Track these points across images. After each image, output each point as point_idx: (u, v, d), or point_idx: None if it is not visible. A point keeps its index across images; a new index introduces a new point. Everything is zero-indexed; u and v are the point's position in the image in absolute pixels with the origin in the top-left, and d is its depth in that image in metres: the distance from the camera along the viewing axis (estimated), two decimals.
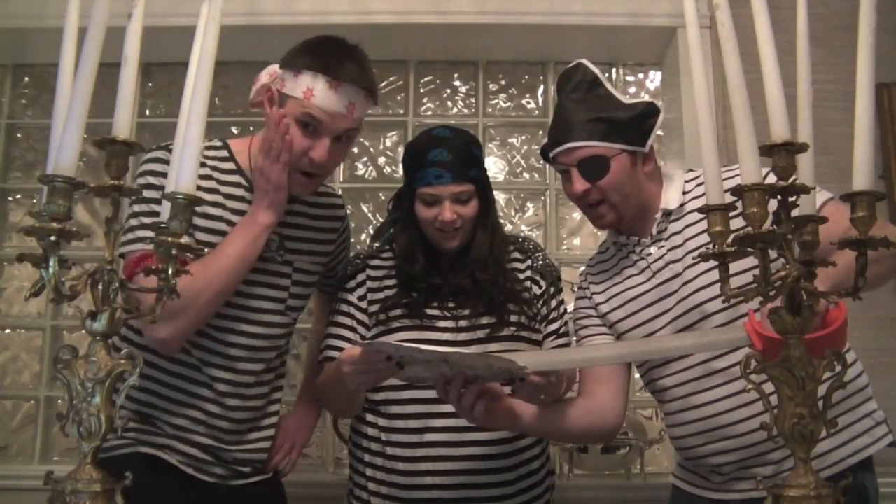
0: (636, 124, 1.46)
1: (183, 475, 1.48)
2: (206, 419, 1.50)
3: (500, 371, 1.27)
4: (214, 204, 1.49)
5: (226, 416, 1.52)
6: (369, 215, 2.63)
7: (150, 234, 1.33)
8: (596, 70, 1.51)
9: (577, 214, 2.57)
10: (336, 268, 1.73)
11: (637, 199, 1.50)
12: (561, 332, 1.62)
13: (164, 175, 1.40)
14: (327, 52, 1.46)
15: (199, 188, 1.46)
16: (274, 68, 1.53)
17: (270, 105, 1.48)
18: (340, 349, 1.52)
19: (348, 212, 2.58)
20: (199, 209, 1.43)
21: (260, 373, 1.56)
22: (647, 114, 1.47)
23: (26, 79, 2.73)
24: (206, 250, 1.42)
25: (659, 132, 2.57)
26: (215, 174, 1.53)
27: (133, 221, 1.42)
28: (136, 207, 1.43)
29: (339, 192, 2.56)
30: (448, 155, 1.52)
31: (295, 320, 1.63)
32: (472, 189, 1.54)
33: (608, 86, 1.50)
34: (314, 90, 1.43)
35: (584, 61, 1.53)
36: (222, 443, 1.52)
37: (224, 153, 1.55)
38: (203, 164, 1.50)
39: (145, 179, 1.45)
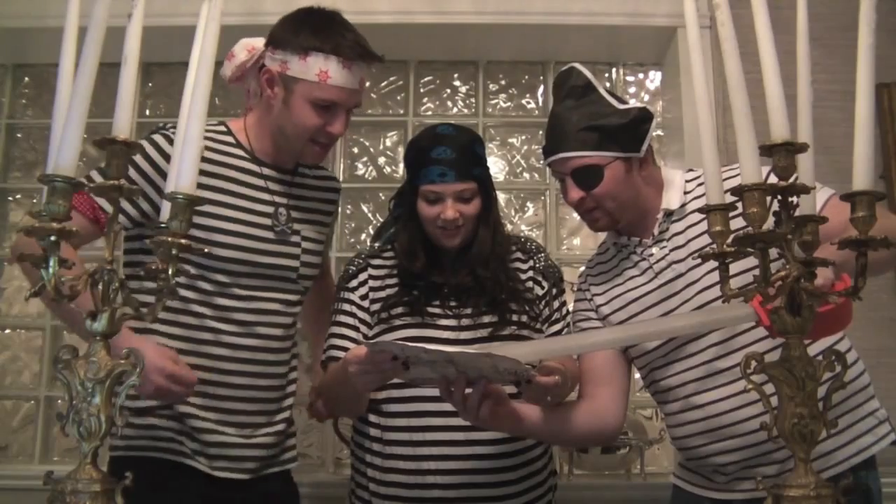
0: (630, 130, 1.46)
1: (212, 479, 1.49)
2: (228, 396, 1.51)
3: (507, 372, 1.27)
4: (215, 175, 1.53)
5: (245, 398, 1.53)
6: (369, 215, 2.63)
7: (97, 178, 1.40)
8: (589, 74, 1.51)
9: (578, 215, 2.56)
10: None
11: (633, 203, 1.50)
12: (563, 333, 1.62)
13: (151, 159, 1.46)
14: (329, 29, 1.51)
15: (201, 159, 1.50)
16: (252, 44, 1.56)
17: (271, 87, 1.52)
18: (344, 349, 1.52)
19: (349, 212, 2.61)
20: (201, 180, 1.44)
21: (278, 349, 1.58)
22: (641, 119, 1.47)
23: (26, 79, 2.73)
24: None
25: (659, 132, 2.59)
26: (215, 145, 1.56)
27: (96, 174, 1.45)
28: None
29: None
30: (451, 153, 1.52)
31: (306, 290, 1.66)
32: (474, 187, 1.54)
33: (601, 90, 1.50)
34: (329, 72, 1.47)
35: (577, 65, 1.53)
36: (251, 427, 1.53)
37: (222, 128, 1.59)
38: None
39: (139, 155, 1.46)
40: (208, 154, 1.52)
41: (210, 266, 1.49)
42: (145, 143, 1.48)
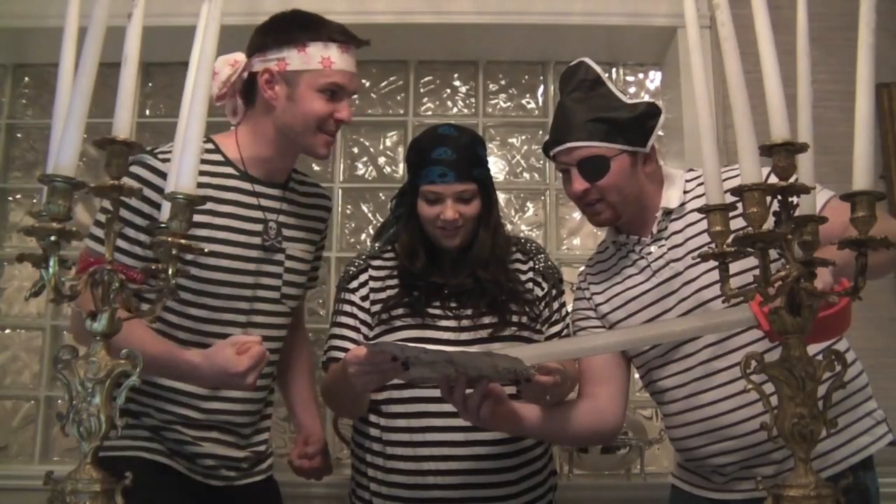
0: (637, 125, 1.46)
1: (190, 480, 1.49)
2: (207, 417, 1.50)
3: (506, 371, 1.27)
4: (204, 197, 1.49)
5: (227, 411, 1.51)
6: (369, 215, 2.63)
7: (96, 231, 1.40)
8: (598, 69, 1.52)
9: (577, 214, 2.57)
10: (316, 262, 1.75)
11: (636, 198, 1.50)
12: (563, 334, 1.62)
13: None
14: (317, 21, 1.54)
15: None
16: (233, 58, 1.55)
17: (271, 88, 1.51)
18: (345, 350, 1.52)
19: (349, 212, 2.61)
20: None
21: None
22: (649, 114, 1.47)
23: (26, 79, 2.73)
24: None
25: (659, 132, 2.59)
26: (203, 166, 1.50)
27: (100, 217, 1.42)
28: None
29: (340, 192, 2.60)
30: (452, 154, 1.52)
31: (291, 311, 1.64)
32: (474, 188, 1.54)
33: (610, 85, 1.50)
34: (331, 57, 1.50)
35: (587, 60, 1.53)
36: (226, 445, 1.52)
37: (210, 146, 1.56)
38: None
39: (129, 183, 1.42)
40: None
41: (200, 290, 1.47)
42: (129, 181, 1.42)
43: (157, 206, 1.40)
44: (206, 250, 1.41)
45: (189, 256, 1.39)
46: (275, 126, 1.54)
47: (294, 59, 1.50)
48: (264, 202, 1.57)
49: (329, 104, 1.52)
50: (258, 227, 1.55)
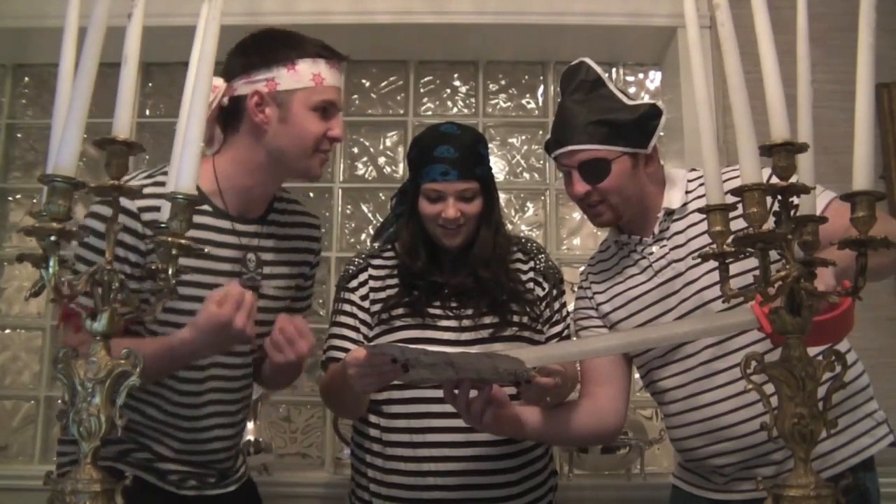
0: (638, 126, 1.46)
1: (162, 491, 1.46)
2: (178, 456, 1.47)
3: (506, 373, 1.27)
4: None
5: (201, 451, 1.49)
6: (369, 215, 2.63)
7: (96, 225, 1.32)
8: (599, 69, 1.51)
9: (577, 214, 2.57)
10: (304, 290, 1.68)
11: (638, 199, 1.50)
12: (564, 335, 1.62)
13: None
14: (299, 39, 1.48)
15: (153, 223, 1.27)
16: (215, 83, 1.43)
17: (262, 111, 1.43)
18: (344, 349, 1.52)
19: (349, 212, 2.61)
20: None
21: (232, 401, 1.53)
22: (650, 115, 1.47)
23: (26, 79, 2.73)
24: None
25: (659, 132, 2.60)
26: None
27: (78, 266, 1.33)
28: (81, 252, 1.35)
29: (340, 192, 2.60)
30: (455, 152, 1.52)
31: (260, 347, 1.47)
32: (476, 187, 1.54)
33: (611, 86, 1.50)
34: (321, 74, 1.45)
35: (587, 60, 1.53)
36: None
37: None
38: (153, 196, 1.31)
39: (93, 224, 1.34)
40: (156, 215, 1.28)
41: (163, 332, 1.38)
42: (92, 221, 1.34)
43: (132, 249, 1.35)
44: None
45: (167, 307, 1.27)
46: (266, 151, 1.45)
47: (284, 78, 1.43)
48: (243, 239, 1.50)
49: (323, 122, 1.46)
50: (231, 267, 1.46)
